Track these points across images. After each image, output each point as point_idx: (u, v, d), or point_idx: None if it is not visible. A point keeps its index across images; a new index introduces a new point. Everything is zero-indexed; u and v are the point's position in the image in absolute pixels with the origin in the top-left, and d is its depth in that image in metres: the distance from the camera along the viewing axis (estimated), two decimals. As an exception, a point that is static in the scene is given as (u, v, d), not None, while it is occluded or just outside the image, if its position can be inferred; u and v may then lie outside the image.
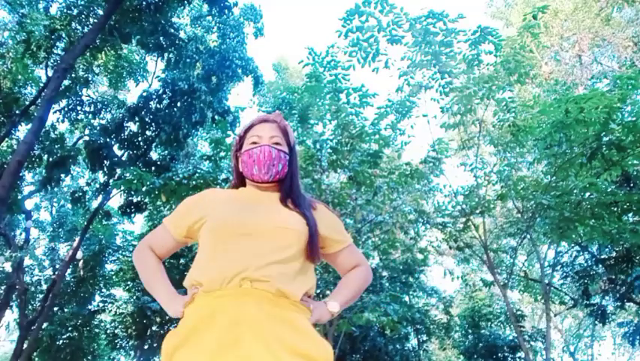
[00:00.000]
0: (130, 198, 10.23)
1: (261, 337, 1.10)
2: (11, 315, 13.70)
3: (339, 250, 1.42)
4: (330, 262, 1.48)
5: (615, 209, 6.93)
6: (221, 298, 1.16)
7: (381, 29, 6.83)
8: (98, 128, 11.33)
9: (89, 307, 12.53)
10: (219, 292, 1.17)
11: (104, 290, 12.87)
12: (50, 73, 10.09)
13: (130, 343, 11.59)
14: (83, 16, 10.10)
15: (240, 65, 11.58)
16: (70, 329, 11.88)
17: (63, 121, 11.22)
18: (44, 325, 10.79)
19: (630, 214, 7.28)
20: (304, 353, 1.12)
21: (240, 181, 1.46)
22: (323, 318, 1.30)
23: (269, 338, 1.10)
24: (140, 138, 10.90)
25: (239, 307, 1.13)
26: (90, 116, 11.53)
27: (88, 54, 10.25)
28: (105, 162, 10.55)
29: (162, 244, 1.41)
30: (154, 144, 11.18)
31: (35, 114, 8.14)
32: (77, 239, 11.16)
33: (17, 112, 10.07)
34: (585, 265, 9.94)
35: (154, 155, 11.69)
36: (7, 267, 11.81)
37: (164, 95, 10.71)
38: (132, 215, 10.58)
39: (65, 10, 10.15)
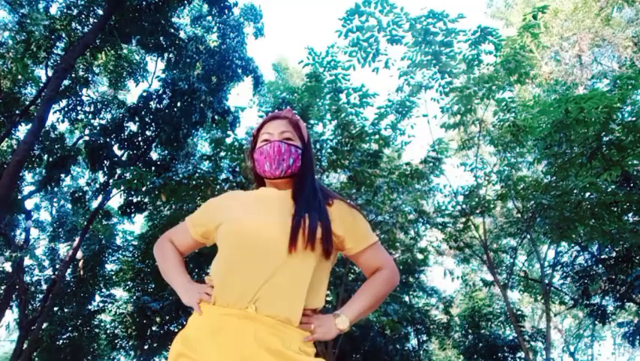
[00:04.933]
0: (130, 198, 10.22)
1: None
2: (11, 315, 13.72)
3: (361, 251, 1.34)
4: (356, 264, 1.41)
5: (615, 209, 6.93)
6: (227, 316, 1.17)
7: (381, 29, 6.83)
8: (98, 128, 11.33)
9: (89, 307, 12.53)
10: (226, 310, 1.18)
11: (104, 290, 12.86)
12: (50, 73, 10.09)
13: (130, 343, 11.58)
14: (83, 16, 10.10)
15: (240, 65, 11.59)
16: (70, 329, 11.88)
17: (63, 121, 11.22)
18: (44, 325, 10.78)
19: (630, 214, 7.28)
20: None
21: (260, 182, 1.46)
22: (328, 335, 1.24)
23: None
24: (140, 138, 10.90)
25: (239, 332, 1.14)
26: (90, 116, 11.53)
27: (88, 54, 10.25)
28: (105, 162, 10.55)
29: (181, 241, 1.44)
30: (154, 144, 11.18)
31: (35, 114, 8.13)
32: (77, 239, 11.15)
33: (17, 112, 10.07)
34: (585, 265, 9.93)
35: (154, 155, 11.69)
36: (7, 267, 11.81)
37: (164, 95, 10.71)
38: (132, 215, 10.57)
39: (65, 10, 10.14)
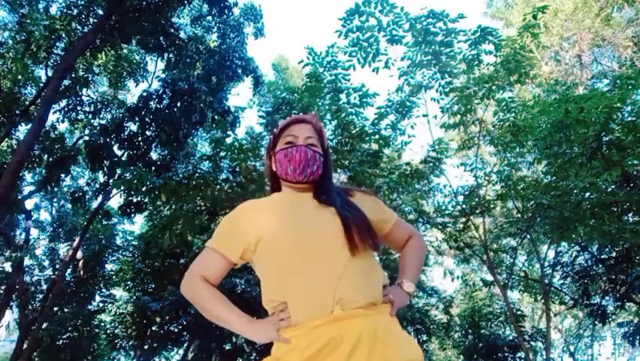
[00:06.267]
0: (130, 198, 10.21)
1: None
2: (11, 315, 13.72)
3: (391, 229, 1.45)
4: (384, 243, 1.50)
5: (615, 209, 6.93)
6: (318, 329, 1.15)
7: (381, 29, 6.82)
8: (98, 128, 11.33)
9: (89, 307, 12.52)
10: (313, 323, 1.16)
11: (104, 290, 12.86)
12: (50, 73, 10.09)
13: (130, 343, 11.58)
14: (83, 16, 10.09)
15: (240, 65, 11.60)
16: (70, 329, 11.87)
17: (63, 121, 11.21)
18: (44, 325, 10.77)
19: (630, 214, 7.27)
20: None
21: (275, 180, 1.46)
22: (404, 302, 1.33)
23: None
24: (140, 138, 10.89)
25: (341, 337, 1.13)
26: (90, 116, 11.53)
27: (88, 54, 10.24)
28: (105, 162, 10.54)
29: (215, 271, 1.33)
30: (154, 144, 11.18)
31: (35, 114, 8.13)
32: (77, 239, 11.14)
33: (17, 112, 10.07)
34: (585, 265, 9.93)
35: (154, 155, 11.68)
36: (7, 267, 11.80)
37: (164, 95, 10.71)
38: (132, 215, 10.56)
39: (65, 10, 10.14)
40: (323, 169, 1.41)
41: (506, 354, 11.10)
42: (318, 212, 1.31)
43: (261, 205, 1.38)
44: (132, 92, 13.90)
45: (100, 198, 11.48)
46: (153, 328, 10.77)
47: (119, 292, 13.16)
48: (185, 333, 10.81)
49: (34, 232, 14.41)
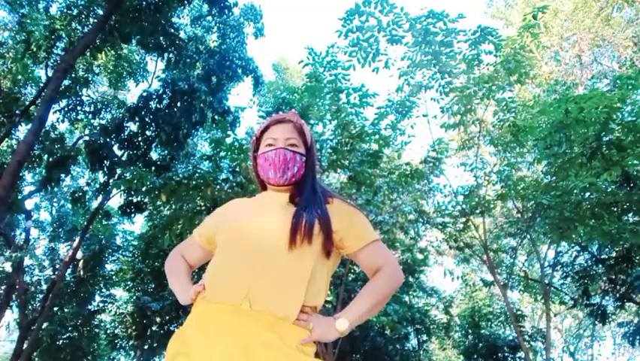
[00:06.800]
0: (130, 198, 10.22)
1: None
2: (11, 315, 13.72)
3: (359, 250, 1.31)
4: (356, 262, 1.39)
5: (615, 209, 6.93)
6: (221, 313, 1.15)
7: (381, 29, 6.82)
8: (98, 128, 11.33)
9: (89, 307, 12.53)
10: (220, 306, 1.17)
11: (104, 290, 12.87)
12: (50, 73, 10.09)
13: (130, 343, 11.59)
14: (83, 16, 10.09)
15: (240, 65, 11.59)
16: (70, 329, 11.88)
17: (63, 121, 11.21)
18: (44, 325, 10.78)
19: (630, 214, 7.27)
20: None
21: (262, 183, 1.47)
22: (326, 337, 1.20)
23: None
24: (140, 138, 10.89)
25: (233, 327, 1.13)
26: (90, 116, 11.53)
27: (88, 54, 10.24)
28: (105, 162, 10.54)
29: (191, 253, 1.47)
30: (154, 144, 11.18)
31: (35, 114, 8.13)
32: (77, 239, 11.15)
33: (17, 112, 10.07)
34: (585, 265, 9.93)
35: (154, 155, 11.68)
36: (7, 267, 11.80)
37: (164, 95, 10.70)
38: (132, 215, 10.57)
39: (65, 10, 10.14)
40: (305, 168, 1.40)
41: (506, 354, 11.11)
42: (280, 210, 1.30)
43: (240, 201, 1.46)
44: (132, 92, 13.90)
45: (100, 198, 11.48)
46: (153, 328, 10.77)
47: (119, 292, 13.17)
48: (185, 333, 10.79)
49: (34, 232, 14.43)
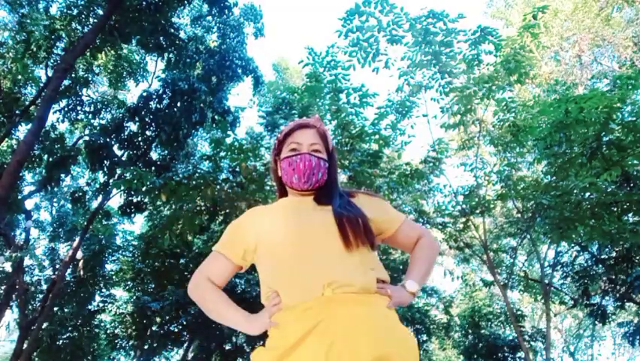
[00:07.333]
0: (130, 198, 10.21)
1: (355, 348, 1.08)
2: (11, 315, 13.72)
3: (397, 229, 1.41)
4: (393, 245, 1.48)
5: (615, 209, 6.93)
6: (307, 310, 1.14)
7: (381, 29, 6.82)
8: (98, 128, 11.33)
9: (89, 307, 12.51)
10: (305, 305, 1.15)
11: (104, 290, 12.85)
12: (50, 73, 10.09)
13: (130, 343, 11.58)
14: (83, 16, 10.09)
15: (240, 65, 11.58)
16: (70, 329, 11.87)
17: (63, 121, 11.21)
18: (44, 325, 10.77)
19: (630, 214, 7.27)
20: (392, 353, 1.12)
21: (281, 186, 1.47)
22: (404, 300, 1.29)
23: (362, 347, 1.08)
24: (140, 138, 10.89)
25: (329, 317, 1.12)
26: (90, 116, 11.52)
27: (88, 54, 10.24)
28: (105, 162, 10.54)
29: (221, 273, 1.38)
30: (154, 144, 11.18)
31: (35, 114, 8.13)
32: (77, 239, 11.14)
33: (17, 112, 10.07)
34: (585, 265, 9.93)
35: (154, 155, 11.68)
36: (7, 267, 11.80)
37: (164, 95, 10.70)
38: (132, 215, 10.57)
39: (65, 10, 10.14)
40: (328, 174, 1.41)
41: (506, 354, 11.10)
42: (315, 211, 1.33)
43: (265, 209, 1.42)
44: (132, 92, 13.94)
45: (100, 198, 11.47)
46: (153, 328, 10.78)
47: (119, 292, 13.16)
48: (185, 333, 10.81)
49: (34, 232, 14.42)
